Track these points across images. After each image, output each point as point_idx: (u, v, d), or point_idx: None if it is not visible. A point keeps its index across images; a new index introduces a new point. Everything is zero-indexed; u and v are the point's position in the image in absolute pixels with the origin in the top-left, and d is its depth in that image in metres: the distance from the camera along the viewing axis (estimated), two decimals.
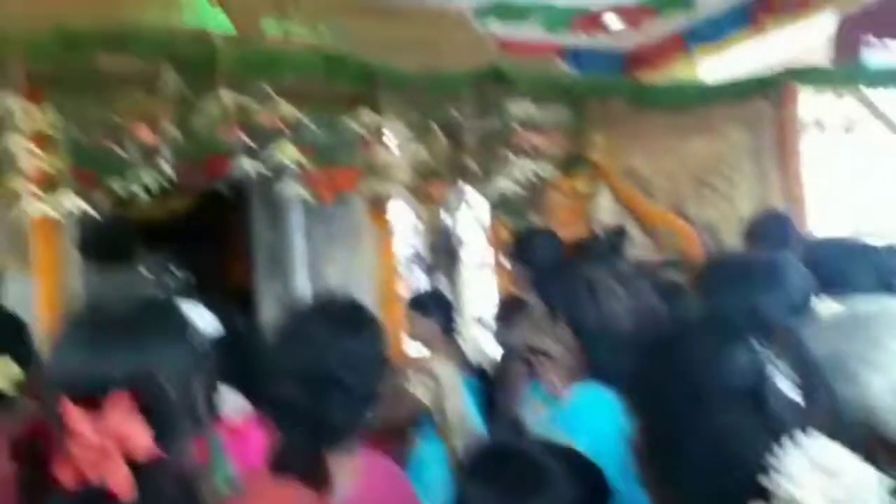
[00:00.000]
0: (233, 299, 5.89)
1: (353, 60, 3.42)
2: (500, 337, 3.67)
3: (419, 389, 2.74)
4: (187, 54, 2.93)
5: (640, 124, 4.44)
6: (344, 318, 1.49)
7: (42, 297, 3.39)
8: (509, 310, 3.60)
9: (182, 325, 1.15)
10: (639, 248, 4.51)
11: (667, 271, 4.07)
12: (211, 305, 1.71)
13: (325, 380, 1.40)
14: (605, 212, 4.49)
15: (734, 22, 5.10)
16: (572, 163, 4.31)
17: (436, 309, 3.21)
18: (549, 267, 2.48)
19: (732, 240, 4.32)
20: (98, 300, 1.21)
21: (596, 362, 1.74)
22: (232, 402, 1.88)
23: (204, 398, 1.15)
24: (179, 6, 3.64)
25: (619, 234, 4.44)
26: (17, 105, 2.78)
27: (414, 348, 3.51)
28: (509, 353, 2.87)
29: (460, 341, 3.21)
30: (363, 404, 1.46)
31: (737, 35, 5.11)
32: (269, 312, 4.77)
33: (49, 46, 2.73)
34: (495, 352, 4.23)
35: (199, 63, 2.94)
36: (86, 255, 2.52)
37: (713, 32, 5.23)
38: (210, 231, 6.46)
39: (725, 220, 4.42)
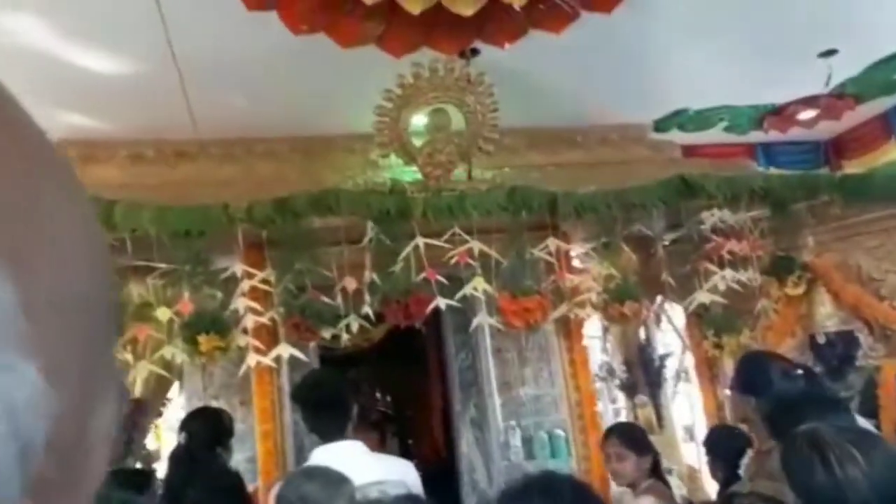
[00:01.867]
0: (432, 420, 6.03)
1: (534, 191, 3.47)
2: (714, 469, 3.34)
3: None
4: (385, 209, 3.12)
5: (857, 219, 4.00)
6: (565, 497, 1.42)
7: (260, 433, 3.67)
8: (724, 441, 3.27)
9: None
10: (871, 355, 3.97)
11: None
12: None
13: None
14: (828, 317, 4.01)
15: None
16: (781, 266, 3.95)
17: (635, 445, 2.92)
18: (776, 404, 2.20)
19: None
20: None
21: None
22: None
23: None
24: (377, 167, 3.98)
25: (847, 341, 3.95)
26: (241, 269, 3.10)
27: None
28: (732, 497, 2.56)
29: (667, 477, 2.90)
30: None
31: None
32: (465, 432, 4.77)
33: (266, 214, 3.04)
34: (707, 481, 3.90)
35: (395, 215, 3.13)
36: (299, 402, 2.66)
37: None
38: (407, 354, 6.71)
39: None
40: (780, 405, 2.11)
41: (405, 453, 4.75)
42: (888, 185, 3.86)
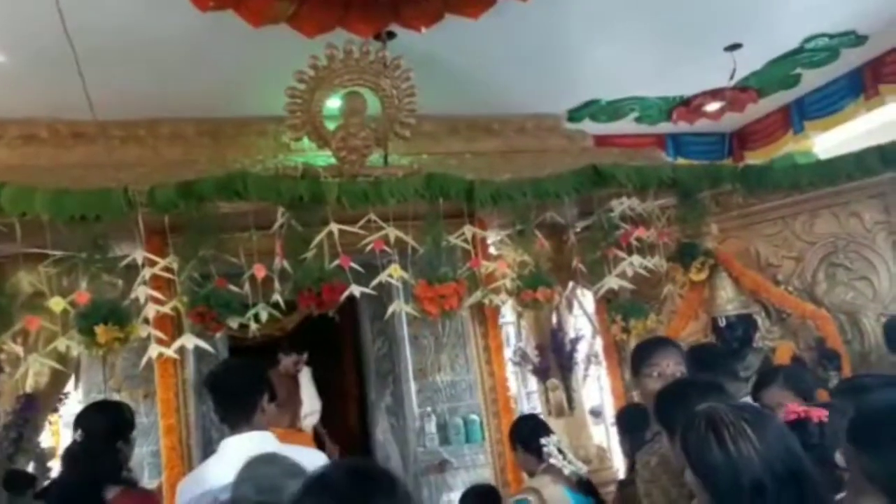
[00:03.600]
0: (347, 408, 5.96)
1: (451, 178, 3.45)
2: (624, 445, 3.45)
3: None
4: (297, 194, 3.03)
5: (758, 207, 4.20)
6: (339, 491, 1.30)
7: (163, 427, 3.52)
8: (633, 418, 3.38)
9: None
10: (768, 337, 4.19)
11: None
12: None
13: None
14: (729, 301, 4.18)
15: (845, 94, 4.86)
16: (685, 253, 4.08)
17: (524, 439, 3.02)
18: (670, 390, 2.26)
19: (873, 323, 3.97)
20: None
21: None
22: None
23: None
24: (290, 151, 3.87)
25: (746, 324, 4.14)
26: (142, 256, 2.94)
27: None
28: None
29: (556, 461, 2.93)
30: None
31: (849, 107, 4.87)
32: (380, 420, 4.75)
33: (169, 198, 2.90)
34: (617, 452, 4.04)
35: (308, 201, 3.05)
36: (213, 394, 2.54)
37: (823, 106, 5.00)
38: (322, 343, 6.58)
39: (864, 301, 4.05)
40: (663, 391, 2.18)
41: (320, 444, 4.67)
42: (786, 176, 4.05)
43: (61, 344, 2.84)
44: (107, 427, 2.55)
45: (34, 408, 3.48)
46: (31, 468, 3.38)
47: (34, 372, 3.26)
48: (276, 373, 4.57)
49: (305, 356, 4.61)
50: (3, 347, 2.90)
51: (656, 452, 2.23)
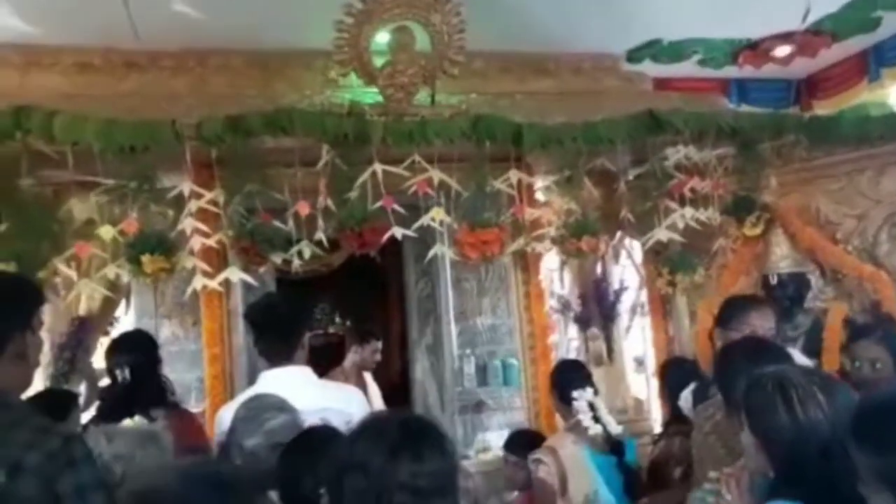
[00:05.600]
0: (389, 345, 6.06)
1: (499, 120, 3.36)
2: (665, 396, 3.41)
3: (542, 469, 2.61)
4: (342, 132, 3.00)
5: (822, 161, 3.99)
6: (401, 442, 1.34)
7: (208, 356, 3.64)
8: (675, 372, 3.34)
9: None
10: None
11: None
12: None
13: None
14: (783, 259, 4.03)
15: None
16: (741, 206, 3.92)
17: (559, 386, 2.95)
18: (731, 352, 2.18)
19: None
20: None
21: (791, 477, 1.50)
22: None
23: None
24: (337, 87, 3.81)
25: (798, 283, 3.99)
26: (189, 188, 2.98)
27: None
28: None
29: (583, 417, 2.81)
30: None
31: None
32: (420, 359, 4.82)
33: (217, 132, 2.90)
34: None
35: (353, 139, 3.01)
36: (250, 324, 2.59)
37: None
38: (369, 280, 6.69)
39: None
40: (724, 353, 2.12)
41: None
42: (855, 128, 3.82)
43: (111, 271, 2.93)
44: (149, 358, 2.60)
45: (87, 330, 3.64)
46: (83, 387, 3.55)
47: (86, 296, 3.38)
48: (342, 371, 4.29)
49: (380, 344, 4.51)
50: (57, 271, 2.99)
51: (721, 407, 2.19)
